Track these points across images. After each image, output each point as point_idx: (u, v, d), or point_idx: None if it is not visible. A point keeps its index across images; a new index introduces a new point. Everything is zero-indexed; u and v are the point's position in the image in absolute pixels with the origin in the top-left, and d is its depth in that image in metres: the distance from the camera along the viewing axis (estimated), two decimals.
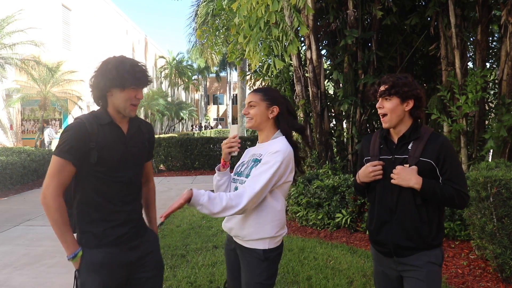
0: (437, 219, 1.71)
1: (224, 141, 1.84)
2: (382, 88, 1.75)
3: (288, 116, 1.86)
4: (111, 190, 1.63)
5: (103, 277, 1.60)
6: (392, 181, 1.68)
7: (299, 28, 4.62)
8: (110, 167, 1.62)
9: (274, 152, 1.71)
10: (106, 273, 1.60)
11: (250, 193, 1.63)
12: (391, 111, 1.72)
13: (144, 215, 1.89)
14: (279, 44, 4.41)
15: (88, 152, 1.57)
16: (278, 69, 4.55)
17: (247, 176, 1.75)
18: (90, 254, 1.61)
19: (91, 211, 1.62)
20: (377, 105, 1.78)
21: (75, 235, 1.64)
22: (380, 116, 1.78)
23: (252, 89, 2.09)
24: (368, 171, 1.75)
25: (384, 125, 1.77)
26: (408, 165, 1.67)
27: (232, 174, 1.94)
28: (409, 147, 1.71)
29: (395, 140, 1.77)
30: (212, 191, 1.74)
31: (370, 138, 1.89)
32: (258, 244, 1.73)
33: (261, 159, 1.75)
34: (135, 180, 1.74)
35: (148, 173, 1.93)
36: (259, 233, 1.72)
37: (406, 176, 1.64)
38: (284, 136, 1.82)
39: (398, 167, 1.67)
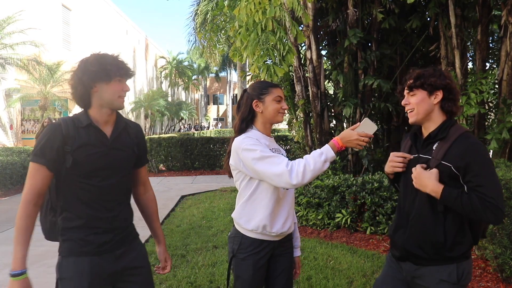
0: (457, 229, 1.52)
1: (361, 138, 1.60)
2: (407, 82, 1.62)
3: None
4: (90, 196, 1.55)
5: (84, 286, 1.53)
6: (414, 182, 1.54)
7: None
8: (88, 171, 1.54)
9: None
10: (87, 282, 1.53)
11: None
12: (417, 105, 1.57)
13: (150, 231, 1.85)
14: (276, 52, 4.40)
15: (64, 156, 1.51)
16: (279, 76, 4.55)
17: None
18: (72, 262, 1.54)
19: (73, 217, 1.56)
20: (402, 102, 1.63)
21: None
22: (408, 112, 1.64)
23: None
24: (389, 159, 1.65)
25: (410, 120, 1.61)
26: (428, 167, 1.53)
27: None
28: (434, 147, 1.55)
29: (423, 138, 1.63)
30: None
31: (407, 135, 1.76)
32: None
33: None
34: (120, 185, 1.64)
35: (145, 182, 1.82)
36: None
37: (423, 181, 1.49)
38: None
39: (418, 168, 1.52)
